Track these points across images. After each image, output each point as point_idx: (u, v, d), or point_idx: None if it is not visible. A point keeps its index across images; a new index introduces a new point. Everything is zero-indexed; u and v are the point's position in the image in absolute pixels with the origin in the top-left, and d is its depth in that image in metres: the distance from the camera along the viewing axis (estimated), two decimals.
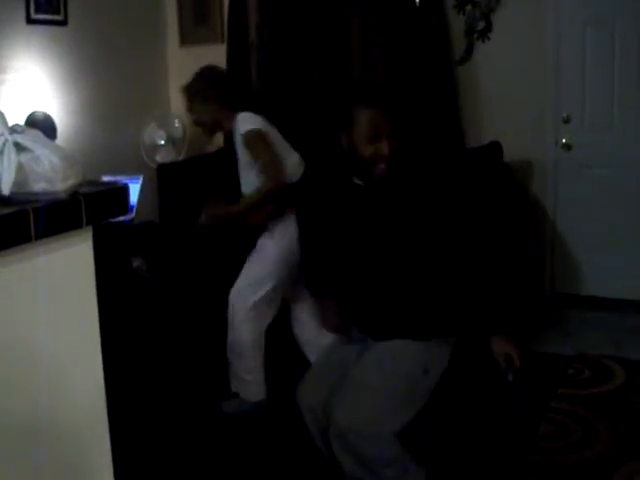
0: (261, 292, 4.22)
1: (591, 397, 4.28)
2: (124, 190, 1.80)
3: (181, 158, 6.35)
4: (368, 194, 3.04)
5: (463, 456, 3.71)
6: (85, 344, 1.80)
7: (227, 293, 4.38)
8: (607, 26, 5.52)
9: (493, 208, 3.14)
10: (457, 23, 5.86)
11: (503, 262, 3.05)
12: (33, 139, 1.67)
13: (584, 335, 5.19)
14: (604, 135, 5.64)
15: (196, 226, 4.36)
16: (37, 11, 5.46)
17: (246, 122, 4.25)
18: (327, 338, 3.41)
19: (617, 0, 5.48)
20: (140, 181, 5.45)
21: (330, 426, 2.85)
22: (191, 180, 5.84)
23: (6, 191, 1.59)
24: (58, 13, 5.65)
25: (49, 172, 1.63)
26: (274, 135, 4.34)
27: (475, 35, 5.83)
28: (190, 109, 4.55)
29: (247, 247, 4.49)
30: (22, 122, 4.78)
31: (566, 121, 5.71)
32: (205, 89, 4.43)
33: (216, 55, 6.30)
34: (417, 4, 5.71)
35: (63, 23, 5.72)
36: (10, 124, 1.69)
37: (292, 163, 4.31)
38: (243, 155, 4.31)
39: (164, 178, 5.88)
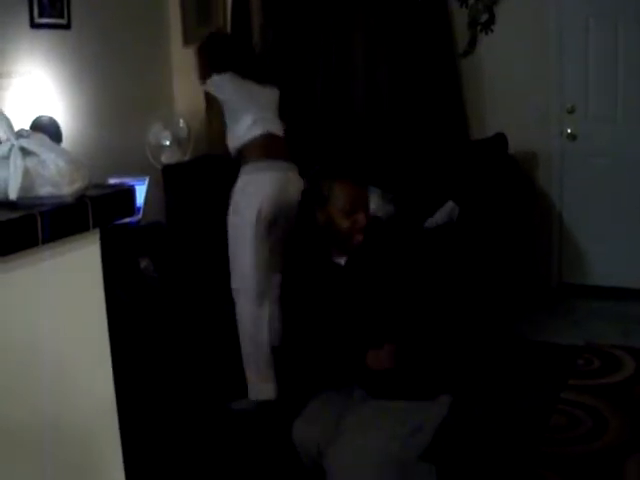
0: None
1: (601, 387, 4.28)
2: (130, 192, 1.81)
3: (187, 158, 6.36)
4: (348, 273, 3.09)
5: (474, 448, 3.72)
6: (94, 346, 1.81)
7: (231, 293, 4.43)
8: (610, 17, 5.52)
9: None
10: (460, 16, 5.87)
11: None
12: (39, 143, 1.68)
13: (592, 325, 5.19)
14: (609, 125, 5.63)
15: None
16: (41, 15, 5.47)
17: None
18: None
19: None
20: (146, 182, 5.46)
21: (324, 464, 2.86)
22: (197, 180, 5.85)
23: (13, 196, 1.60)
24: (62, 17, 5.65)
25: (55, 176, 1.64)
26: (238, 95, 4.50)
27: (478, 27, 5.84)
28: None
29: None
30: (27, 126, 4.80)
31: (570, 112, 5.70)
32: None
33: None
34: None
35: (67, 27, 5.72)
36: (16, 129, 1.70)
37: (243, 125, 4.45)
38: None
39: (170, 179, 5.89)
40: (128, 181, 4.39)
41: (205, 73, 4.61)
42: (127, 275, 4.92)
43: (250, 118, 4.50)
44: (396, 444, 2.83)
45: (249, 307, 4.31)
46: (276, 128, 4.56)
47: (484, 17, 5.80)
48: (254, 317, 4.29)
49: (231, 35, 5.10)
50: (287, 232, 3.99)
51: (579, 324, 5.24)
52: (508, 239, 5.32)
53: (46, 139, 1.74)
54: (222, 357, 4.73)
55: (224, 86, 4.55)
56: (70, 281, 1.71)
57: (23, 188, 1.62)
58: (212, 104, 4.73)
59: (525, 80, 5.75)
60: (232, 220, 4.38)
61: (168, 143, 6.29)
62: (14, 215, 1.54)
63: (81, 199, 1.67)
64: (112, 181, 4.58)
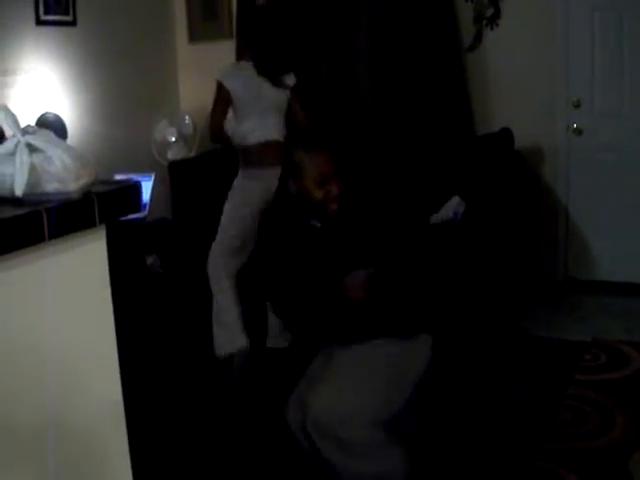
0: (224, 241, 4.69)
1: (607, 383, 4.28)
2: (136, 188, 1.81)
3: (192, 155, 6.36)
4: (324, 234, 3.14)
5: (480, 444, 3.72)
6: (101, 342, 1.81)
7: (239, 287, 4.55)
8: (616, 11, 5.51)
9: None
10: (466, 10, 5.86)
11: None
12: (45, 140, 1.68)
13: (599, 320, 5.18)
14: (614, 119, 5.63)
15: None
16: (46, 12, 5.48)
17: None
18: None
19: None
20: (152, 179, 5.47)
21: (307, 414, 2.91)
22: (203, 176, 5.85)
23: (19, 192, 1.61)
24: (67, 14, 5.66)
25: (61, 172, 1.64)
26: (246, 91, 4.72)
27: (484, 22, 5.83)
28: None
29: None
30: (33, 123, 4.81)
31: (576, 106, 5.70)
32: None
33: (225, 51, 6.31)
34: None
35: (72, 24, 5.73)
36: (21, 125, 1.70)
37: (245, 129, 4.72)
38: None
39: (176, 175, 5.89)
40: (134, 177, 4.40)
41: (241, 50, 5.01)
42: (133, 271, 4.93)
43: (252, 123, 4.71)
44: (383, 376, 2.95)
45: (221, 259, 4.68)
46: (277, 134, 4.72)
47: (490, 12, 5.79)
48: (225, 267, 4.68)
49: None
50: None
51: (585, 319, 5.23)
52: (514, 234, 5.31)
53: (52, 135, 1.74)
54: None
55: (236, 78, 4.74)
56: (76, 277, 1.71)
57: (29, 184, 1.62)
58: (220, 94, 4.81)
59: (531, 75, 5.75)
60: (225, 206, 4.84)
61: (174, 139, 6.30)
62: (20, 211, 1.54)
63: (87, 195, 1.68)
64: (118, 178, 4.59)
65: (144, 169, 5.53)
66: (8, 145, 1.66)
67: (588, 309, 5.44)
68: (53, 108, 5.38)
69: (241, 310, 4.66)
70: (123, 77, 6.15)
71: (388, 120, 5.88)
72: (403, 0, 5.79)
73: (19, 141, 1.65)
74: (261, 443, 3.81)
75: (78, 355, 1.74)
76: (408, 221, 3.29)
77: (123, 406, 1.87)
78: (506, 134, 5.55)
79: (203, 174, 5.87)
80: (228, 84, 4.72)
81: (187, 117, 6.41)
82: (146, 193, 5.24)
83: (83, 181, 1.67)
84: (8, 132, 1.71)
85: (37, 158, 1.65)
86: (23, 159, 1.63)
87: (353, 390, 2.91)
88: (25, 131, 1.69)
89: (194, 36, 6.76)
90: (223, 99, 4.79)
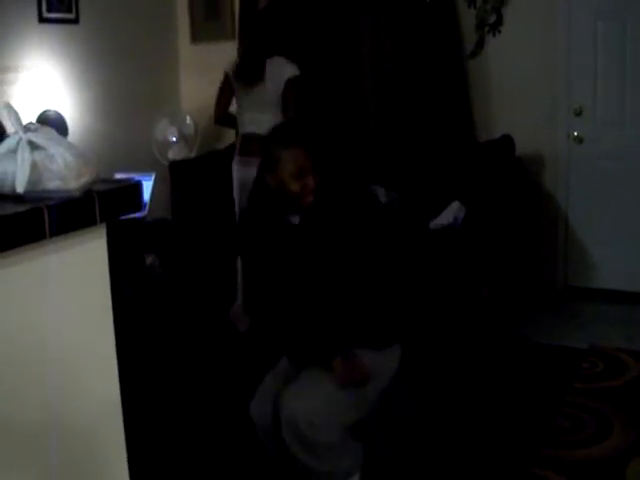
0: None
1: (605, 390, 4.27)
2: (137, 187, 1.80)
3: (193, 155, 6.37)
4: (301, 231, 3.19)
5: (478, 451, 3.72)
6: (100, 341, 1.81)
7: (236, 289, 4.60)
8: (618, 19, 5.50)
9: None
10: (468, 17, 5.86)
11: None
12: (47, 137, 1.68)
13: (597, 328, 5.18)
14: (616, 128, 5.62)
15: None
16: (49, 10, 5.48)
17: None
18: None
19: None
20: (152, 178, 5.47)
21: (282, 413, 3.00)
22: (203, 177, 5.85)
23: (20, 189, 1.60)
24: (70, 11, 5.66)
25: (63, 170, 1.64)
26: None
27: (486, 29, 5.83)
28: None
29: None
30: (34, 121, 4.80)
31: (578, 114, 5.69)
32: None
33: (227, 52, 6.31)
34: None
35: (75, 21, 5.73)
36: (23, 123, 1.70)
37: (243, 119, 5.23)
38: None
39: (176, 175, 5.90)
40: (135, 177, 4.40)
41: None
42: (133, 271, 4.92)
43: (247, 116, 5.19)
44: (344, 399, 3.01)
45: None
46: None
47: (492, 18, 5.79)
48: None
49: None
50: None
51: (584, 327, 5.23)
52: (514, 240, 5.31)
53: (54, 133, 1.74)
54: (227, 351, 4.73)
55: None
56: (77, 275, 1.71)
57: (30, 182, 1.61)
58: (225, 84, 5.29)
59: (532, 82, 5.74)
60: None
61: (175, 139, 6.30)
62: (21, 208, 1.54)
63: (88, 193, 1.67)
64: (119, 177, 4.58)
65: (144, 169, 5.53)
66: (10, 142, 1.66)
67: (587, 317, 5.44)
68: (55, 106, 5.38)
69: None
70: (125, 76, 6.15)
71: (390, 126, 5.88)
72: (405, 7, 5.79)
73: (21, 138, 1.65)
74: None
75: (77, 353, 1.73)
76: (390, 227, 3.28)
77: (121, 406, 1.87)
78: (507, 141, 5.55)
79: (203, 174, 5.87)
80: (232, 76, 5.19)
81: (188, 117, 6.41)
82: (146, 193, 5.24)
83: (84, 179, 1.66)
84: (10, 129, 1.70)
85: (39, 155, 1.64)
86: (25, 156, 1.62)
87: (324, 396, 3.00)
88: (27, 128, 1.68)
89: (196, 36, 6.77)
90: (227, 89, 5.29)
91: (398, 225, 3.64)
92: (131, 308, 4.59)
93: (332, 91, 6.01)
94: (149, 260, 5.22)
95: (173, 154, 6.30)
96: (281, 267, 3.22)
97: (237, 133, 5.50)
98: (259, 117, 5.03)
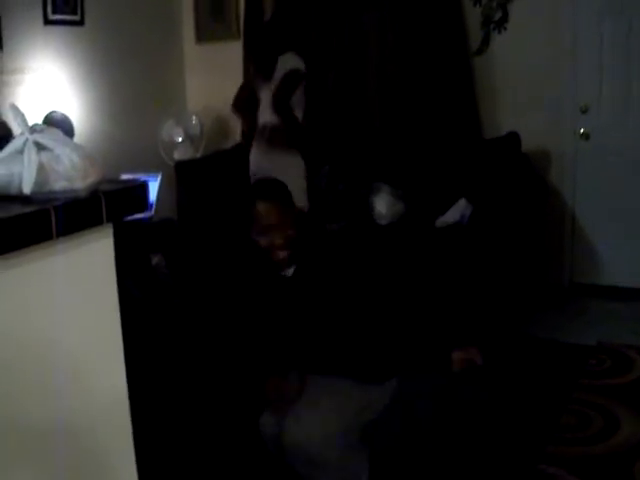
0: None
1: (612, 387, 4.27)
2: (143, 187, 1.81)
3: (199, 155, 6.37)
4: (294, 283, 3.24)
5: (483, 447, 3.71)
6: (107, 341, 1.81)
7: (242, 289, 4.55)
8: (624, 15, 5.49)
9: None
10: (473, 14, 5.86)
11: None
12: (53, 138, 1.68)
13: (604, 325, 5.17)
14: (622, 124, 5.61)
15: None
16: (54, 12, 5.50)
17: None
18: None
19: None
20: (159, 179, 5.48)
21: (284, 435, 3.04)
22: (209, 177, 5.85)
23: (27, 190, 1.61)
24: (75, 13, 5.68)
25: (69, 171, 1.64)
26: None
27: (491, 26, 5.83)
28: None
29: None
30: (40, 122, 4.81)
31: (584, 111, 5.69)
32: None
33: (232, 52, 6.33)
34: None
35: (80, 23, 5.75)
36: (30, 124, 1.71)
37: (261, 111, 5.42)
38: None
39: (182, 175, 5.90)
40: (141, 177, 4.41)
41: None
42: (139, 271, 4.92)
43: (262, 107, 5.38)
44: (341, 422, 3.01)
45: None
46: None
47: (497, 15, 5.79)
48: None
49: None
50: None
51: (591, 324, 5.22)
52: (520, 237, 5.31)
53: (60, 134, 1.74)
54: (234, 352, 4.72)
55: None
56: (83, 275, 1.71)
57: (37, 183, 1.62)
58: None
59: (538, 79, 5.74)
60: None
61: (180, 140, 6.31)
62: (28, 209, 1.54)
63: (94, 194, 1.68)
64: (125, 177, 4.59)
65: (151, 169, 5.54)
66: (16, 143, 1.66)
67: (594, 313, 5.43)
68: (61, 107, 5.39)
69: None
70: (130, 77, 6.16)
71: (395, 123, 5.88)
72: (410, 4, 5.79)
73: (27, 139, 1.65)
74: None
75: (85, 353, 1.74)
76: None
77: (128, 405, 1.87)
78: (513, 138, 5.55)
79: (209, 175, 5.87)
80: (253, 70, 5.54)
81: (194, 117, 6.42)
82: (152, 193, 5.25)
83: (91, 180, 1.67)
84: (16, 130, 1.71)
85: (45, 156, 1.65)
86: (31, 157, 1.63)
87: (327, 419, 3.00)
88: (33, 129, 1.69)
89: (201, 36, 6.77)
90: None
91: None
92: (137, 308, 4.59)
93: (337, 89, 6.01)
94: (155, 260, 5.22)
95: (179, 154, 6.31)
96: (276, 321, 3.26)
97: (249, 122, 5.66)
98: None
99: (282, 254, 3.20)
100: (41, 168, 1.63)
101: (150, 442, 3.17)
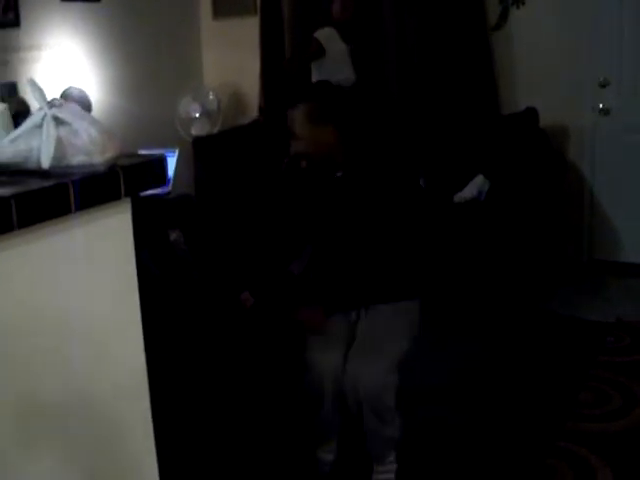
0: None
1: (631, 364, 4.26)
2: (162, 161, 1.80)
3: (216, 131, 6.37)
4: (340, 184, 3.20)
5: (502, 423, 3.72)
6: (126, 316, 1.81)
7: (261, 264, 4.54)
8: None
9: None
10: None
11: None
12: (71, 112, 1.68)
13: (623, 302, 5.14)
14: None
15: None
16: None
17: None
18: None
19: None
20: (176, 154, 5.48)
21: (347, 383, 3.04)
22: (227, 152, 5.85)
23: (46, 165, 1.61)
24: None
25: (88, 145, 1.64)
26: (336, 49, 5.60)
27: (510, 1, 5.77)
28: None
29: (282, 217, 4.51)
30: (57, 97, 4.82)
31: (603, 85, 5.63)
32: None
33: (249, 28, 6.31)
34: None
35: (96, 0, 5.74)
36: (48, 99, 1.70)
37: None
38: None
39: (200, 151, 5.90)
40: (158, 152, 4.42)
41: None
42: (157, 247, 4.94)
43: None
44: (406, 342, 3.12)
45: None
46: None
47: None
48: None
49: None
50: None
51: (610, 301, 5.20)
52: (538, 214, 5.28)
53: (78, 108, 1.74)
54: (250, 329, 4.74)
55: (331, 38, 5.49)
56: (102, 249, 1.71)
57: (56, 157, 1.62)
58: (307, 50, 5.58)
59: (557, 54, 5.69)
60: None
61: (198, 115, 6.31)
62: (47, 183, 1.54)
63: (113, 168, 1.67)
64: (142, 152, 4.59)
65: (168, 145, 5.53)
66: (35, 118, 1.66)
67: (613, 290, 5.41)
68: (78, 83, 5.39)
69: None
70: (147, 53, 6.16)
71: (413, 99, 5.86)
72: None
73: (46, 114, 1.65)
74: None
75: (103, 328, 1.74)
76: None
77: (147, 381, 1.88)
78: (531, 113, 5.51)
79: (227, 150, 5.87)
80: (326, 42, 5.54)
81: (211, 93, 6.42)
82: (170, 169, 5.25)
83: (109, 154, 1.67)
84: (34, 106, 1.71)
85: (63, 131, 1.65)
86: (50, 132, 1.63)
87: (389, 358, 3.04)
88: (51, 104, 1.68)
89: (218, 12, 6.75)
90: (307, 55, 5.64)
91: (421, 195, 3.66)
92: (156, 285, 4.61)
93: (355, 66, 5.98)
94: (173, 236, 5.24)
95: (196, 130, 6.31)
96: (318, 215, 3.27)
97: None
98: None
99: (303, 163, 3.24)
100: (59, 142, 1.63)
101: (168, 417, 3.19)
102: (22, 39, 5.22)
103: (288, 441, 3.67)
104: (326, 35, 5.55)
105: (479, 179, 5.26)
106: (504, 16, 5.81)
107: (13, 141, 1.65)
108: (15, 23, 5.18)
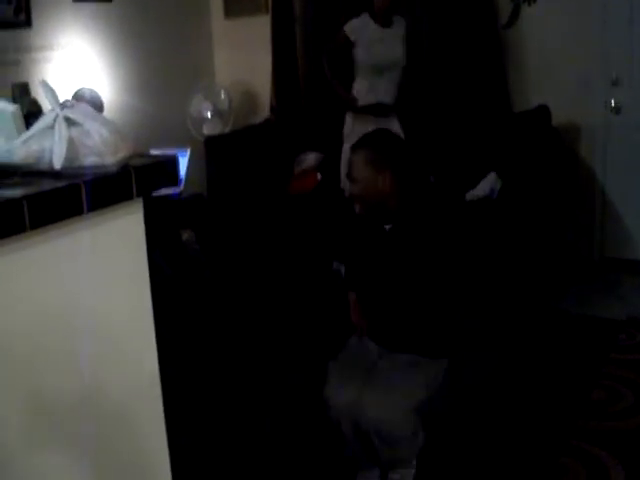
0: None
1: None
2: (173, 161, 1.81)
3: (228, 130, 6.38)
4: (389, 238, 3.22)
5: (515, 421, 3.72)
6: (138, 316, 1.82)
7: (274, 265, 4.53)
8: None
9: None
10: None
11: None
12: (83, 113, 1.69)
13: (635, 300, 5.13)
14: None
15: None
16: None
17: None
18: None
19: None
20: (188, 154, 5.49)
21: (363, 418, 3.05)
22: (238, 152, 5.86)
23: (58, 166, 1.61)
24: None
25: (99, 146, 1.65)
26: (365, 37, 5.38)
27: None
28: None
29: (292, 217, 4.51)
30: (69, 98, 4.83)
31: (615, 83, 5.62)
32: None
33: (261, 27, 6.31)
34: None
35: (108, 0, 5.76)
36: (60, 100, 1.71)
37: (359, 86, 5.41)
38: None
39: (211, 150, 5.91)
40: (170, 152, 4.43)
41: None
42: (169, 247, 4.95)
43: (367, 83, 5.34)
44: (422, 393, 3.07)
45: None
46: (389, 97, 5.37)
47: None
48: None
49: None
50: None
51: (621, 298, 5.19)
52: (550, 211, 5.28)
53: (90, 109, 1.75)
54: (264, 327, 4.75)
55: (359, 28, 5.32)
56: (114, 249, 1.72)
57: (68, 158, 1.63)
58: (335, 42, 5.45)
59: (568, 52, 5.67)
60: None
61: (209, 115, 6.31)
62: (59, 184, 1.55)
63: (125, 168, 1.68)
64: (154, 152, 4.60)
65: (180, 144, 5.54)
66: (47, 119, 1.67)
67: (624, 288, 5.40)
68: (90, 83, 5.41)
69: None
70: (159, 52, 6.17)
71: (425, 98, 5.85)
72: None
73: (57, 115, 1.66)
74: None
75: (116, 328, 1.75)
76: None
77: (159, 379, 1.88)
78: (543, 111, 5.50)
79: (238, 149, 5.88)
80: (353, 34, 5.35)
81: (222, 92, 6.42)
82: (182, 168, 5.26)
83: (121, 155, 1.67)
84: (47, 106, 1.72)
85: (75, 131, 1.65)
86: (62, 132, 1.64)
87: (402, 401, 3.03)
88: (63, 105, 1.69)
89: (230, 11, 6.76)
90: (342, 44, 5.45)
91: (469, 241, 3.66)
92: (168, 284, 4.62)
93: None
94: (185, 236, 5.25)
95: (208, 129, 6.32)
96: (369, 268, 3.31)
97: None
98: (380, 82, 5.40)
99: (357, 207, 3.21)
100: (71, 143, 1.64)
101: (181, 414, 3.20)
102: (34, 39, 5.24)
103: (300, 439, 3.68)
104: (354, 26, 5.38)
105: (491, 177, 5.26)
106: (515, 14, 5.80)
107: (25, 142, 1.65)
108: (27, 23, 5.20)
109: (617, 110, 5.65)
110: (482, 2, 5.75)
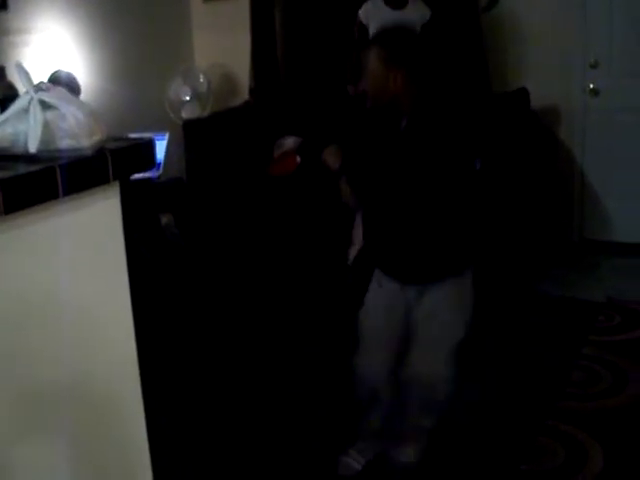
0: None
1: (621, 343, 4.28)
2: (150, 144, 1.80)
3: (207, 114, 6.35)
4: (403, 135, 3.08)
5: (494, 402, 3.74)
6: (115, 300, 1.81)
7: (254, 249, 4.50)
8: None
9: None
10: None
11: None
12: (58, 96, 1.67)
13: (614, 281, 5.16)
14: (633, 80, 5.56)
15: None
16: None
17: None
18: None
19: None
20: (166, 138, 5.46)
21: (405, 377, 3.10)
22: (217, 135, 5.84)
23: (33, 149, 1.60)
24: None
25: (75, 129, 1.63)
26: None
27: None
28: None
29: (272, 201, 4.49)
30: (45, 81, 4.80)
31: (593, 66, 5.63)
32: None
33: (239, 9, 6.27)
34: None
35: None
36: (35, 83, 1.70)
37: None
38: None
39: (190, 134, 5.88)
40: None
41: None
42: (148, 231, 4.93)
43: None
44: (461, 332, 3.11)
45: None
46: None
47: None
48: None
49: None
50: None
51: (600, 280, 5.23)
52: (529, 193, 5.29)
53: (65, 92, 1.73)
54: (241, 310, 4.75)
55: (371, 11, 5.30)
56: (90, 234, 1.71)
57: (43, 141, 1.61)
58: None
59: (548, 35, 5.68)
60: None
61: (188, 98, 6.28)
62: (34, 168, 1.54)
63: (100, 151, 1.67)
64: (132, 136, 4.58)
65: (158, 128, 5.51)
66: (21, 102, 1.65)
67: (603, 270, 5.43)
68: (67, 67, 5.36)
69: None
70: (137, 35, 6.12)
71: None
72: None
73: (32, 98, 1.64)
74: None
75: (93, 313, 1.74)
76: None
77: (138, 364, 1.88)
78: (522, 93, 5.51)
79: (217, 133, 5.85)
80: (365, 18, 5.33)
81: (201, 76, 6.39)
82: (160, 152, 5.23)
83: (96, 137, 1.66)
84: (22, 89, 1.70)
85: (50, 115, 1.64)
86: (37, 116, 1.62)
87: (444, 347, 3.08)
88: (38, 88, 1.68)
89: None
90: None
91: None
92: (147, 269, 4.61)
93: (346, 54, 5.96)
94: (164, 220, 5.23)
95: (187, 113, 6.29)
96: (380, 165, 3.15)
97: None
98: None
99: (368, 103, 3.17)
100: (46, 126, 1.62)
101: (160, 402, 3.19)
102: (11, 22, 5.18)
103: (288, 430, 3.69)
104: (366, 9, 5.35)
105: None
106: None
107: None
108: (3, 7, 5.14)
109: (596, 93, 5.66)
110: None
